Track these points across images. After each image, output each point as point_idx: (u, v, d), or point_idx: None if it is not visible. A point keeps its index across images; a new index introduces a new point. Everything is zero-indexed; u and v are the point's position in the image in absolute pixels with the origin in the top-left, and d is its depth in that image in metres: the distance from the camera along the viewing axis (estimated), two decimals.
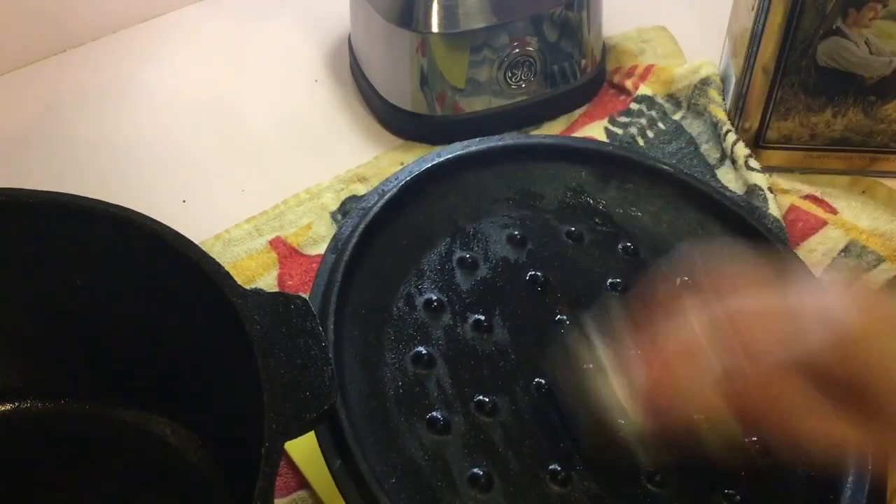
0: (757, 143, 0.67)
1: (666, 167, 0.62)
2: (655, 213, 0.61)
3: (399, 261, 0.57)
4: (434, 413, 0.51)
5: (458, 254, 0.57)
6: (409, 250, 0.57)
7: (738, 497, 0.49)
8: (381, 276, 0.56)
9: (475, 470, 0.49)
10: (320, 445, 0.48)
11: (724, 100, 0.70)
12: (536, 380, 0.53)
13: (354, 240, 0.55)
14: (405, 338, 0.53)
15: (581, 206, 0.61)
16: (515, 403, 0.52)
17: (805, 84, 0.64)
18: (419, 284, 0.56)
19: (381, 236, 0.56)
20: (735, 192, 0.67)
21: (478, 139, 0.62)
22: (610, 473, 0.49)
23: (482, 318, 0.55)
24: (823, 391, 0.41)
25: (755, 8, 0.62)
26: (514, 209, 0.60)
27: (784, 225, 0.64)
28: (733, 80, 0.68)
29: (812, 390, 0.41)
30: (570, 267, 0.58)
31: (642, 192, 0.61)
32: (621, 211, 0.61)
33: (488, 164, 0.61)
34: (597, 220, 0.60)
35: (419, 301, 0.55)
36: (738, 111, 0.67)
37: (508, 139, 0.63)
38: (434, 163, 0.60)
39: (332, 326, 0.51)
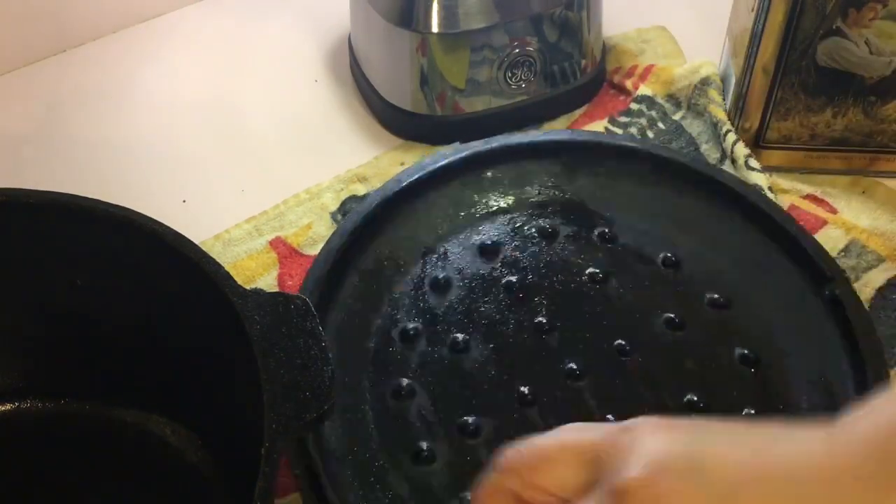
0: (757, 143, 0.67)
1: (634, 145, 0.62)
2: (630, 193, 0.60)
3: (370, 294, 0.56)
4: (419, 444, 0.51)
5: (430, 276, 0.57)
6: (378, 282, 0.57)
7: None
8: (353, 314, 0.55)
9: (464, 494, 0.49)
10: (302, 496, 0.47)
11: (724, 100, 0.70)
12: (520, 389, 0.53)
13: (319, 288, 0.54)
14: (383, 373, 0.53)
15: (552, 202, 0.60)
16: (499, 420, 0.52)
17: (805, 84, 0.64)
18: (393, 315, 0.55)
19: (345, 273, 0.56)
20: (708, 160, 0.66)
21: (429, 157, 0.61)
22: None
23: (459, 337, 0.54)
24: None
25: (755, 8, 0.62)
26: (482, 219, 0.60)
27: (747, 191, 0.64)
28: (733, 80, 0.68)
29: None
30: (547, 266, 0.57)
31: (614, 175, 0.61)
32: (594, 198, 0.60)
33: (444, 182, 0.61)
34: (570, 213, 0.59)
35: (395, 332, 0.55)
36: (738, 111, 0.67)
37: (462, 150, 0.62)
38: (380, 198, 0.59)
39: None
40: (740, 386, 0.53)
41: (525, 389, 0.52)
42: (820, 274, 0.56)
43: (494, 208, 0.60)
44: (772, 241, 0.59)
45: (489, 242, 0.58)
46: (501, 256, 0.58)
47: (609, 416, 0.51)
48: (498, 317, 0.55)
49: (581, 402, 0.52)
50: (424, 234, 0.59)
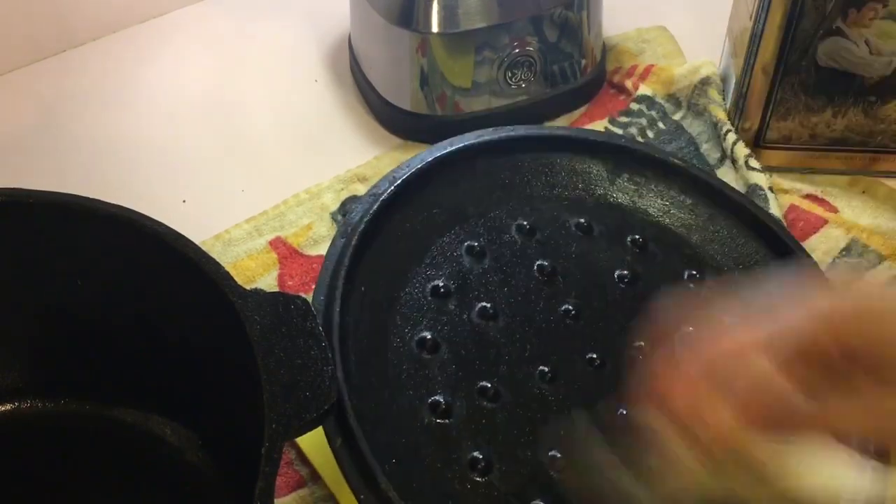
0: (757, 143, 0.67)
1: (677, 162, 0.63)
2: (665, 207, 0.61)
3: (407, 247, 0.57)
4: (437, 397, 0.51)
5: (467, 242, 0.58)
6: (417, 237, 0.57)
7: None
8: (390, 262, 0.56)
9: (475, 454, 0.49)
10: (323, 424, 0.48)
11: (724, 99, 0.70)
12: (540, 367, 0.53)
13: (363, 226, 0.55)
14: (411, 322, 0.54)
15: (591, 198, 0.61)
16: (518, 390, 0.52)
17: (805, 84, 0.64)
18: (427, 271, 0.56)
19: (390, 223, 0.57)
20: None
21: (491, 129, 0.62)
22: None
23: (488, 305, 0.55)
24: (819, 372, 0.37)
25: (755, 8, 0.62)
26: (523, 200, 0.60)
27: (785, 224, 0.64)
28: (733, 80, 0.68)
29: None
30: (579, 258, 0.59)
31: (653, 186, 0.62)
32: (631, 204, 0.61)
33: (498, 154, 0.61)
34: (606, 213, 0.60)
35: (427, 287, 0.55)
36: (738, 111, 0.67)
37: (521, 129, 0.63)
38: (446, 151, 0.60)
39: (338, 310, 0.51)
40: None
41: (545, 368, 0.53)
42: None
43: (534, 193, 0.61)
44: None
45: (526, 224, 0.59)
46: (536, 238, 0.59)
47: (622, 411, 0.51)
48: (527, 297, 0.56)
49: (598, 389, 0.53)
50: (467, 202, 0.59)
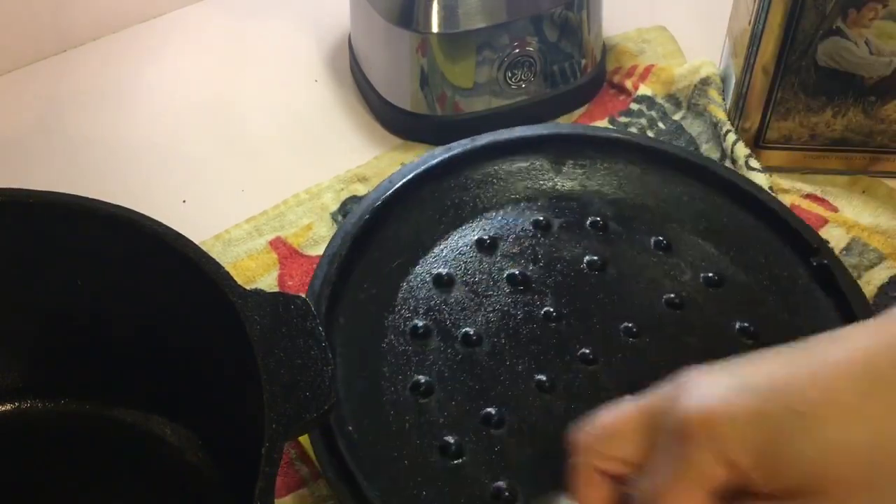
0: (757, 144, 0.67)
1: (615, 135, 0.64)
2: (616, 182, 0.62)
3: (376, 295, 0.57)
4: (444, 438, 0.51)
5: (433, 272, 0.58)
6: (384, 284, 0.57)
7: None
8: (360, 314, 0.56)
9: (497, 484, 0.50)
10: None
11: (724, 99, 0.70)
12: (537, 378, 0.53)
13: (328, 289, 0.55)
14: (400, 370, 0.54)
15: (541, 194, 0.61)
16: (521, 409, 0.52)
17: (805, 84, 0.64)
18: (402, 313, 0.56)
19: (348, 282, 0.56)
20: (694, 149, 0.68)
21: (427, 154, 0.63)
22: None
23: (470, 331, 0.55)
24: None
25: (755, 8, 0.62)
26: (477, 214, 0.61)
27: (738, 172, 0.65)
28: (733, 80, 0.68)
29: None
30: (546, 257, 0.58)
31: (599, 165, 0.63)
32: (582, 188, 0.61)
33: (442, 176, 0.62)
34: (561, 204, 0.61)
35: (406, 330, 0.55)
36: (738, 111, 0.67)
37: (456, 147, 0.63)
38: (392, 190, 0.60)
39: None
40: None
41: (542, 377, 0.53)
42: (805, 246, 0.59)
43: (483, 206, 0.61)
44: (757, 220, 0.61)
45: (485, 239, 0.59)
46: (499, 249, 0.59)
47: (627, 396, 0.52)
48: (506, 312, 0.56)
49: (599, 385, 0.53)
50: (420, 232, 0.59)
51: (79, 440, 0.54)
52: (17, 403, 0.54)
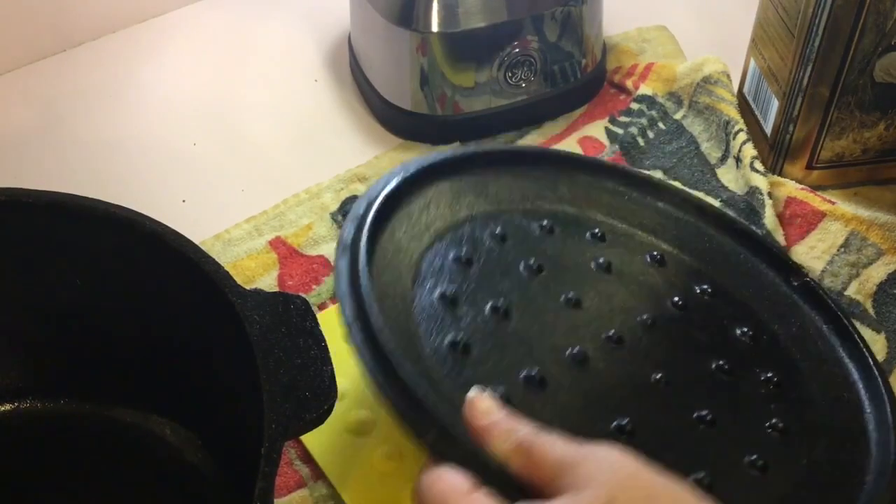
0: (809, 165, 0.66)
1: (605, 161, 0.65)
2: (608, 203, 0.63)
3: (405, 261, 0.57)
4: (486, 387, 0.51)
5: (451, 253, 0.58)
6: (406, 253, 0.57)
7: None
8: (395, 271, 0.56)
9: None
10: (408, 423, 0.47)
11: (733, 97, 0.70)
12: (574, 350, 0.53)
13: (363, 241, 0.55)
14: (433, 330, 0.54)
15: (542, 207, 0.62)
16: (561, 377, 0.52)
17: (861, 102, 0.63)
18: (426, 283, 0.56)
19: (381, 237, 0.56)
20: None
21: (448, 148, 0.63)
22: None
23: (498, 303, 0.55)
24: None
25: (805, 33, 0.61)
26: (486, 210, 0.61)
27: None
28: (774, 106, 0.66)
29: None
30: (555, 254, 0.59)
31: (590, 186, 0.63)
32: (577, 205, 0.62)
33: (454, 173, 0.61)
34: (559, 217, 0.61)
35: (434, 296, 0.55)
36: (781, 138, 0.66)
37: (471, 148, 0.64)
38: (404, 176, 0.59)
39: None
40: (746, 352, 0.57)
41: (575, 350, 0.54)
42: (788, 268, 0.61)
43: (492, 206, 0.61)
44: (740, 246, 0.62)
45: (498, 231, 0.60)
46: (510, 243, 0.59)
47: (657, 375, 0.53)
48: (526, 294, 0.57)
49: (633, 368, 0.54)
50: (437, 220, 0.60)
51: (79, 440, 0.54)
52: (17, 403, 0.54)
